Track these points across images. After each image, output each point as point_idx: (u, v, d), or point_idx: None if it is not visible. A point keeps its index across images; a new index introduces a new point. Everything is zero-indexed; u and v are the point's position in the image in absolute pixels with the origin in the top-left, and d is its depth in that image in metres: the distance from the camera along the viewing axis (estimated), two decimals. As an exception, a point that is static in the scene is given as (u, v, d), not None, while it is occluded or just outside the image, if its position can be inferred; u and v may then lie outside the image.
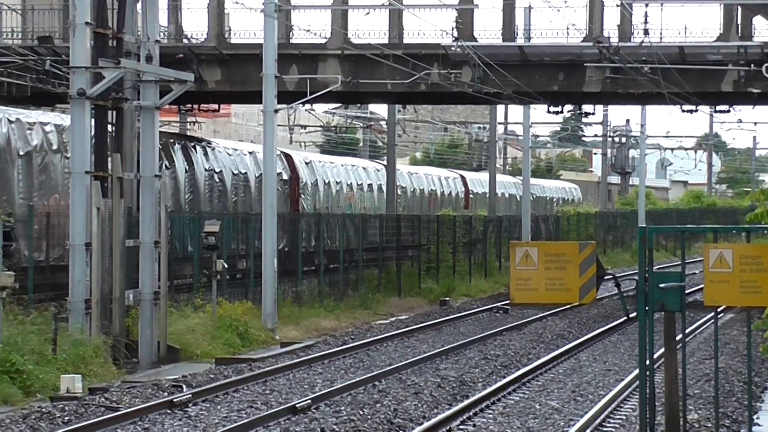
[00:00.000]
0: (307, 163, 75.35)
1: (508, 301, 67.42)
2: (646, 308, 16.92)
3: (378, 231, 75.67)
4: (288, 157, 74.35)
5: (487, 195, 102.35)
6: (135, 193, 42.61)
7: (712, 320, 21.89)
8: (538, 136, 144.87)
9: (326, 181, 77.76)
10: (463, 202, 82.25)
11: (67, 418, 29.29)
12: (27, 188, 49.88)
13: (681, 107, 68.71)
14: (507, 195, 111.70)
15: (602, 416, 30.30)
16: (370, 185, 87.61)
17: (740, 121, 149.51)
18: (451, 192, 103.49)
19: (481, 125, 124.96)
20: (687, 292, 13.82)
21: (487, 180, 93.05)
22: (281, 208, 64.35)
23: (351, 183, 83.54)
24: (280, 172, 68.46)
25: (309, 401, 31.90)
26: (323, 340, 50.63)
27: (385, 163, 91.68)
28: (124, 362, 39.67)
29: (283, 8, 55.41)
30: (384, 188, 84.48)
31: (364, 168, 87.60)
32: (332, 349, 46.23)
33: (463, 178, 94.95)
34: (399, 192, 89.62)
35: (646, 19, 61.41)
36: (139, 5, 42.33)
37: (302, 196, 71.64)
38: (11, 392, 32.44)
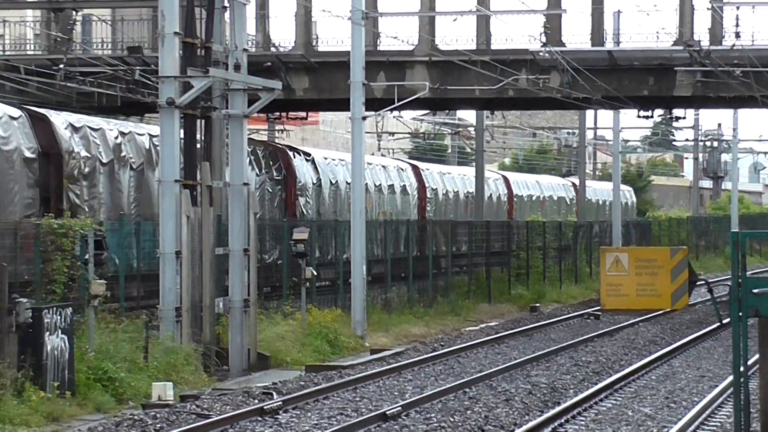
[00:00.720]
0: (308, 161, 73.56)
1: (599, 307, 67.17)
2: (740, 314, 16.50)
3: (467, 237, 75.69)
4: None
5: (538, 198, 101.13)
6: (224, 201, 42.89)
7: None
8: (628, 140, 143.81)
9: (333, 181, 75.16)
10: (506, 206, 79.46)
11: (159, 425, 29.40)
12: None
13: (774, 110, 68.19)
14: (556, 198, 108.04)
15: (696, 423, 29.87)
16: (390, 186, 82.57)
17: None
18: (491, 195, 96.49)
19: (570, 130, 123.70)
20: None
21: (533, 182, 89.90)
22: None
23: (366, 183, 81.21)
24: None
25: (399, 408, 31.85)
26: (413, 346, 50.41)
27: (410, 161, 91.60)
28: (214, 370, 39.87)
29: (371, 15, 55.46)
30: (409, 189, 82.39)
31: (383, 167, 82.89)
32: (422, 356, 45.99)
33: (505, 179, 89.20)
34: (428, 194, 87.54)
35: (737, 22, 60.87)
36: (227, 15, 42.52)
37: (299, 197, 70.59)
38: (104, 400, 32.70)
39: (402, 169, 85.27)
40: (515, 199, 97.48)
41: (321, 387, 36.38)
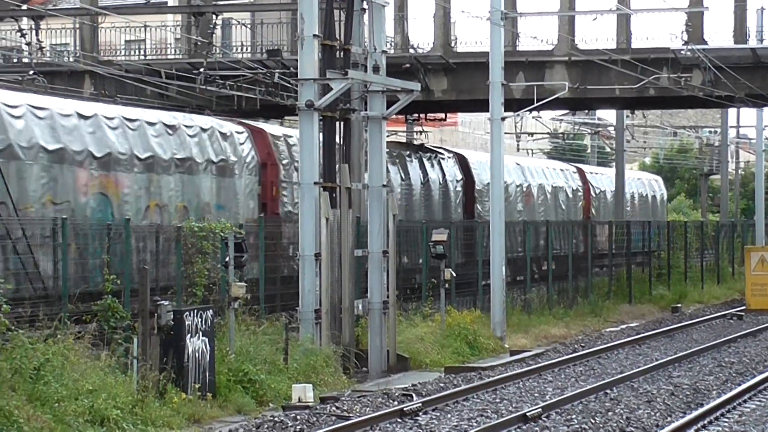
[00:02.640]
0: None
1: (742, 307, 66.59)
2: None
3: (606, 237, 75.61)
4: (462, 158, 72.40)
5: (616, 193, 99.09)
6: (363, 203, 43.13)
7: None
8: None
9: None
10: (582, 202, 78.77)
11: (299, 427, 29.58)
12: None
13: None
14: (639, 195, 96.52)
15: None
16: (557, 187, 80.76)
17: None
18: (563, 187, 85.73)
19: (712, 129, 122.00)
20: None
21: (612, 176, 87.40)
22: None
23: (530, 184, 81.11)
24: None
25: (539, 410, 31.73)
26: (553, 347, 50.29)
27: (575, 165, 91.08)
28: (353, 371, 40.11)
29: (510, 16, 55.51)
30: (578, 191, 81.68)
31: (556, 169, 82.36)
32: (562, 357, 45.91)
33: (581, 172, 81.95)
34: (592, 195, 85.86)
35: None
36: (365, 16, 42.72)
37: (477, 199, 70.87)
38: (245, 402, 33.06)
39: (563, 170, 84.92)
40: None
41: (461, 388, 36.43)
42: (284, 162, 50.31)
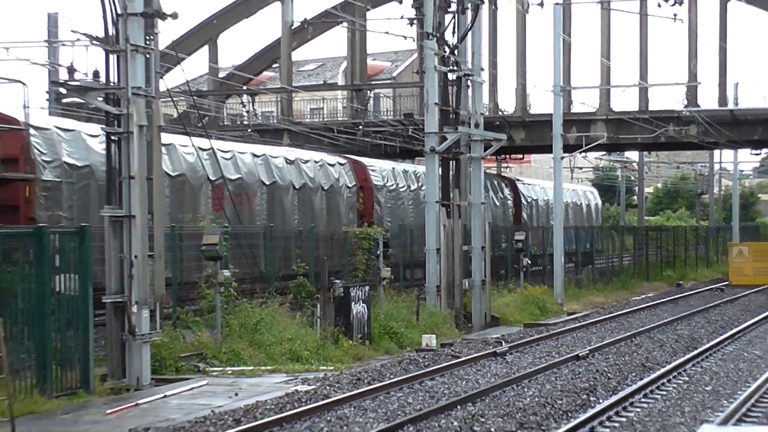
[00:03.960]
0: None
1: (726, 283, 66.41)
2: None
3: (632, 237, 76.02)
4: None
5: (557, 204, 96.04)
6: (468, 215, 43.35)
7: None
8: (742, 170, 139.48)
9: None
10: (512, 209, 67.99)
11: (426, 362, 29.76)
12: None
13: None
14: (574, 203, 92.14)
15: None
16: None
17: None
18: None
19: (704, 164, 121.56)
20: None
21: (543, 187, 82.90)
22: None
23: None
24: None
25: (587, 351, 31.96)
26: (596, 310, 50.08)
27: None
28: (462, 326, 40.08)
29: (566, 89, 55.75)
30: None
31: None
32: (602, 316, 45.58)
33: (513, 184, 69.82)
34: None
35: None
36: (469, 90, 42.93)
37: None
38: (390, 346, 33.56)
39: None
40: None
41: (534, 338, 36.34)
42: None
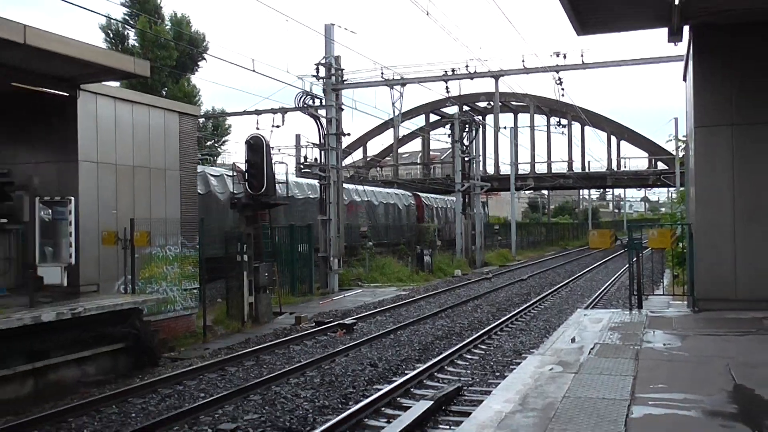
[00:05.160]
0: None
1: (587, 247, 63.62)
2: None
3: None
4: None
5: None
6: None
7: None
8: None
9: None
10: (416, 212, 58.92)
11: (456, 282, 29.08)
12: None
13: None
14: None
15: (601, 295, 29.02)
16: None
17: None
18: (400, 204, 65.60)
19: (574, 196, 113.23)
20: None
21: (436, 198, 77.01)
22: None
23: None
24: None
25: (527, 277, 30.79)
26: (531, 260, 47.33)
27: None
28: (472, 266, 37.73)
29: (515, 164, 54.54)
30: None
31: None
32: (534, 262, 43.63)
33: (416, 196, 46.80)
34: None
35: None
36: (473, 165, 41.78)
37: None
38: (440, 274, 32.29)
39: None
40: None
41: (503, 271, 35.21)
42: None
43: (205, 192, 23.82)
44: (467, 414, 8.82)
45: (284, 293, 21.65)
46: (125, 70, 12.64)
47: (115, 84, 16.31)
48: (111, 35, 38.07)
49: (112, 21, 37.53)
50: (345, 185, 29.59)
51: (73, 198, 12.80)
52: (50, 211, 12.74)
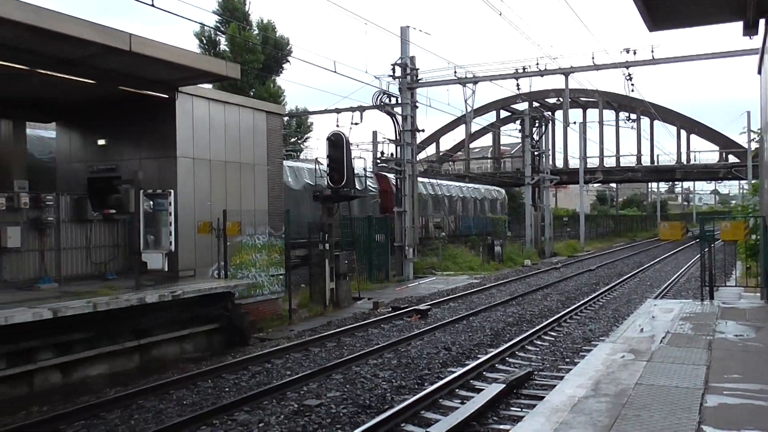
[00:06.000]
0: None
1: (657, 238, 61.70)
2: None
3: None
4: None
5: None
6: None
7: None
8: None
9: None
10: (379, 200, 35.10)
11: (525, 272, 28.75)
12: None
13: None
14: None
15: (673, 282, 27.99)
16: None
17: None
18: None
19: (643, 189, 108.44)
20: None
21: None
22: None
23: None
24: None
25: (595, 267, 29.97)
26: (599, 250, 45.80)
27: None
28: (541, 256, 37.44)
29: (584, 158, 53.17)
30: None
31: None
32: (603, 252, 42.34)
33: (379, 176, 30.43)
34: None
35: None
36: (543, 158, 40.91)
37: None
38: (510, 264, 31.78)
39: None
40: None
41: (572, 261, 34.37)
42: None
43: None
44: (538, 397, 8.79)
45: (362, 280, 21.81)
46: (218, 73, 12.97)
47: (208, 86, 16.75)
48: (204, 41, 39.11)
49: (206, 28, 38.59)
50: (420, 180, 29.43)
51: (172, 191, 13.26)
52: (151, 202, 13.18)
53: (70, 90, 13.21)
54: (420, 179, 31.40)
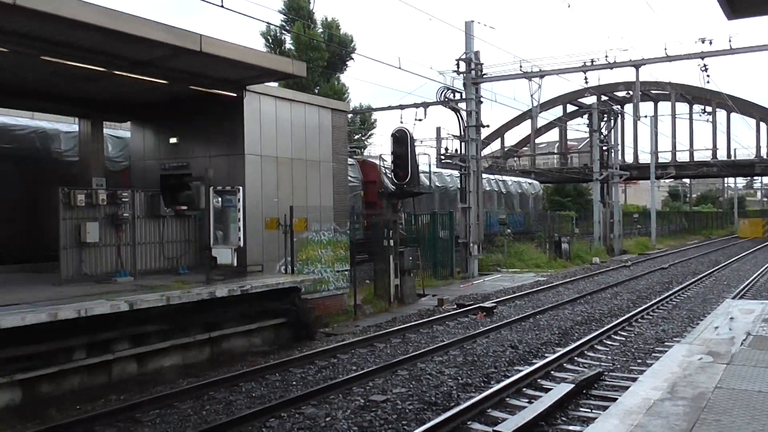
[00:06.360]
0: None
1: (736, 236, 59.70)
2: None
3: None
4: None
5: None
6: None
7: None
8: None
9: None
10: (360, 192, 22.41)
11: (593, 270, 28.09)
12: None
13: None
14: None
15: (754, 281, 26.57)
16: None
17: None
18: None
19: (718, 185, 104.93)
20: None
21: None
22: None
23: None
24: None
25: (668, 265, 29.06)
26: (671, 248, 44.30)
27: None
28: (609, 254, 36.78)
29: (654, 152, 51.59)
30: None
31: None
32: (675, 251, 40.87)
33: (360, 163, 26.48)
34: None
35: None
36: (611, 153, 39.88)
37: None
38: (578, 262, 31.29)
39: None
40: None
41: (642, 259, 33.48)
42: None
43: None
44: (609, 399, 8.59)
45: (426, 276, 21.77)
46: (285, 72, 13.15)
47: (274, 84, 17.01)
48: (270, 40, 39.80)
49: (271, 27, 39.25)
50: (485, 176, 29.13)
51: (241, 187, 13.54)
52: (220, 199, 13.49)
53: (143, 90, 13.65)
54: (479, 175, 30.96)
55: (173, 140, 15.50)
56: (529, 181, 43.51)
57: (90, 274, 12.61)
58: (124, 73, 11.95)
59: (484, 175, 34.13)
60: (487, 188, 28.92)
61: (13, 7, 8.72)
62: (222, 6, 12.57)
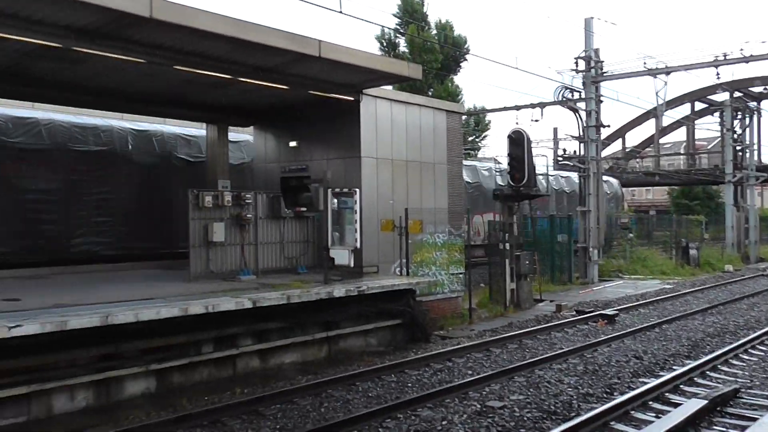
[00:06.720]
0: None
1: None
2: None
3: None
4: None
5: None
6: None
7: None
8: None
9: None
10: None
11: (725, 278, 26.45)
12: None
13: None
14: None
15: None
16: None
17: None
18: None
19: None
20: None
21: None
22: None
23: None
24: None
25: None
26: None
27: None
28: (744, 261, 34.33)
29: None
30: None
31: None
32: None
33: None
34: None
35: None
36: (747, 154, 37.32)
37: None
38: (708, 270, 29.37)
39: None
40: None
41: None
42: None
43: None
44: (747, 418, 7.99)
45: (544, 281, 21.27)
46: (400, 75, 13.28)
47: (388, 87, 17.19)
48: (384, 43, 40.31)
49: (386, 30, 39.73)
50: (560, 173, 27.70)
51: (357, 189, 13.79)
52: (335, 201, 13.80)
53: (264, 96, 14.21)
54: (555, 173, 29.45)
55: (293, 143, 16.02)
56: (605, 178, 40.37)
57: (216, 271, 13.26)
58: (249, 80, 12.48)
59: (551, 173, 31.66)
60: (556, 188, 27.03)
61: (150, 20, 9.33)
62: (341, 12, 12.88)
